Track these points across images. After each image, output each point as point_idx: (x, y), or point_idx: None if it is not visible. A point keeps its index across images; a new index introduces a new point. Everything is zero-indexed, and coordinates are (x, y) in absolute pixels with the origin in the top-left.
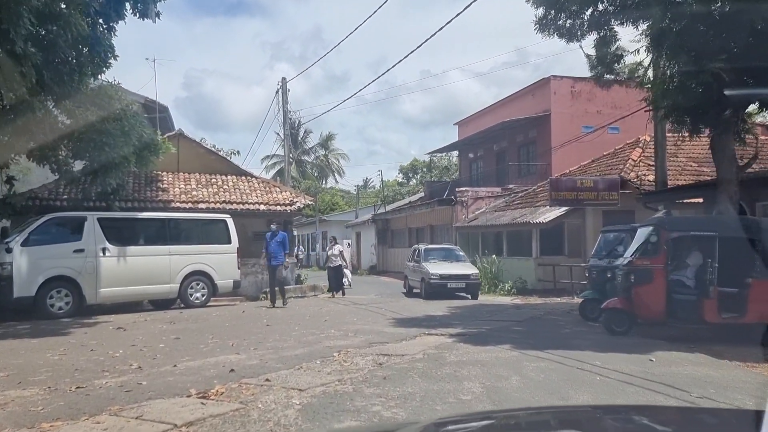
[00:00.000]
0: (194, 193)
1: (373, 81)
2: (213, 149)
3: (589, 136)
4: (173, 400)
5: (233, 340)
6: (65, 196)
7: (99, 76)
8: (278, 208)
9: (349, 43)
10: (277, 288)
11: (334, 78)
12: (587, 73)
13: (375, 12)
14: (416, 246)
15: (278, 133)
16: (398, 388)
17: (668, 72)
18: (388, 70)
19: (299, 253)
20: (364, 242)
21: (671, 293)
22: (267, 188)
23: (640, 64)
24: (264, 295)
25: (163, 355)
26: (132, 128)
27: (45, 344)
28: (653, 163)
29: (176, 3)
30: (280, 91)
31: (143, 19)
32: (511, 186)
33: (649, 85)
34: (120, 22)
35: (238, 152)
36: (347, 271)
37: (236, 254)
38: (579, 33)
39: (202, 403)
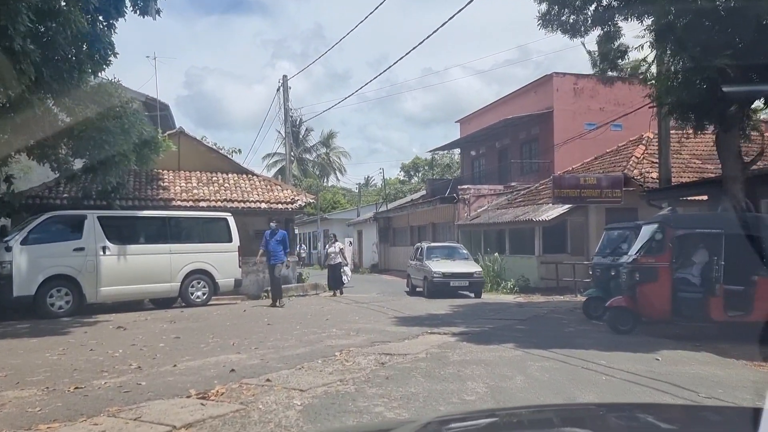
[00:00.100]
0: (195, 191)
1: (374, 78)
2: (214, 147)
3: (591, 134)
4: (172, 401)
5: (234, 340)
6: (65, 195)
7: (99, 74)
8: (279, 206)
9: (350, 42)
10: (271, 286)
11: (335, 76)
12: (589, 71)
13: (376, 8)
14: (419, 244)
15: (279, 131)
16: (401, 388)
17: (672, 68)
18: (390, 67)
19: (302, 251)
20: (366, 240)
21: (676, 291)
22: (268, 186)
23: (644, 59)
24: (265, 294)
25: (163, 354)
26: (132, 126)
27: (44, 344)
28: (657, 161)
29: (177, 1)
30: (282, 88)
31: (143, 17)
32: (513, 184)
33: (653, 82)
34: (120, 19)
35: (240, 151)
36: (346, 269)
37: (237, 253)
38: (582, 29)
39: (202, 404)
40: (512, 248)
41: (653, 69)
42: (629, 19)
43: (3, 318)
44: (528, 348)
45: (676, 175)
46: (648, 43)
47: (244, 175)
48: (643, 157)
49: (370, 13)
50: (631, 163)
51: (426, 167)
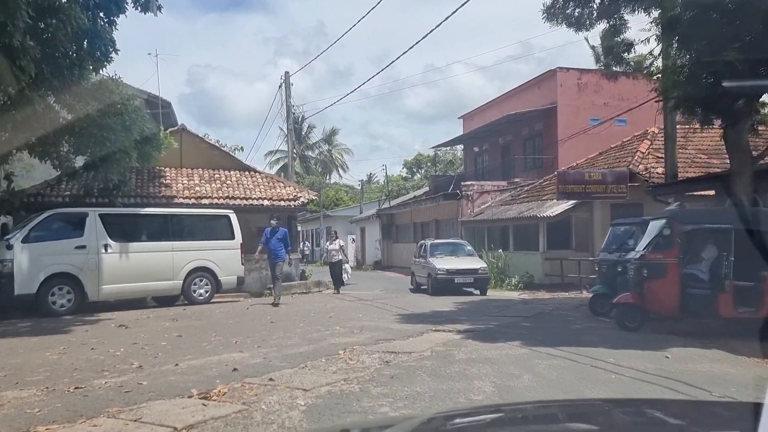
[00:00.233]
0: (197, 188)
1: (376, 74)
2: (216, 144)
3: (596, 129)
4: (174, 401)
5: (236, 338)
6: (67, 192)
7: (100, 71)
8: (282, 203)
9: (352, 38)
10: (273, 285)
11: (337, 73)
12: (593, 66)
13: (378, 3)
14: (422, 242)
15: (282, 128)
16: (406, 387)
17: (679, 62)
18: (392, 63)
19: (305, 248)
20: (369, 237)
21: (685, 287)
22: (271, 183)
23: (650, 53)
24: (268, 292)
25: (164, 353)
26: (133, 123)
27: (45, 343)
28: (662, 156)
29: None
30: (284, 85)
31: (144, 13)
32: (516, 180)
33: (659, 76)
34: (121, 15)
35: (242, 148)
36: (347, 266)
37: (240, 250)
38: (588, 22)
39: (204, 405)
40: (516, 244)
41: (659, 63)
42: (636, 12)
43: (4, 316)
44: (534, 346)
45: (682, 170)
46: (654, 37)
47: (247, 172)
48: (649, 153)
49: (372, 9)
50: (636, 158)
51: (428, 164)
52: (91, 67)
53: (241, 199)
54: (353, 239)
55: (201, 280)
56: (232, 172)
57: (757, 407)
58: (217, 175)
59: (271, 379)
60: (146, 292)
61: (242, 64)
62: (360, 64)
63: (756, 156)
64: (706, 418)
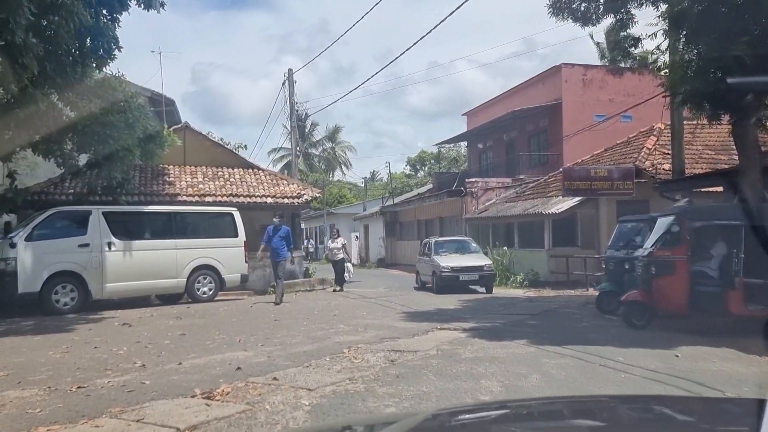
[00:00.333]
0: (201, 186)
1: (379, 71)
2: (220, 142)
3: (601, 125)
4: (177, 401)
5: (240, 336)
6: (71, 191)
7: (103, 68)
8: (286, 200)
9: (355, 36)
10: (276, 284)
11: (340, 70)
12: (597, 62)
13: (380, 0)
14: (427, 240)
15: (285, 126)
16: (412, 387)
17: (687, 56)
18: (395, 59)
19: (309, 246)
20: (372, 235)
21: (694, 285)
22: (274, 181)
23: (657, 48)
24: (272, 290)
25: (168, 352)
26: (136, 120)
27: (48, 341)
28: (669, 152)
29: None
30: (287, 82)
31: (147, 10)
32: (521, 176)
33: (666, 71)
34: (124, 12)
35: (245, 146)
36: (349, 265)
37: (243, 248)
38: (594, 17)
39: (207, 404)
40: (521, 242)
41: (666, 58)
42: (643, 6)
43: (8, 315)
44: (542, 344)
45: (689, 166)
46: (661, 32)
47: (250, 170)
48: (655, 149)
49: (375, 5)
50: (642, 154)
51: (432, 161)
52: (94, 65)
53: (245, 196)
54: (357, 237)
55: (205, 278)
56: (235, 170)
57: (762, 403)
58: (220, 173)
59: (275, 379)
60: (150, 290)
61: (246, 61)
62: (363, 62)
63: (765, 152)
64: (712, 414)
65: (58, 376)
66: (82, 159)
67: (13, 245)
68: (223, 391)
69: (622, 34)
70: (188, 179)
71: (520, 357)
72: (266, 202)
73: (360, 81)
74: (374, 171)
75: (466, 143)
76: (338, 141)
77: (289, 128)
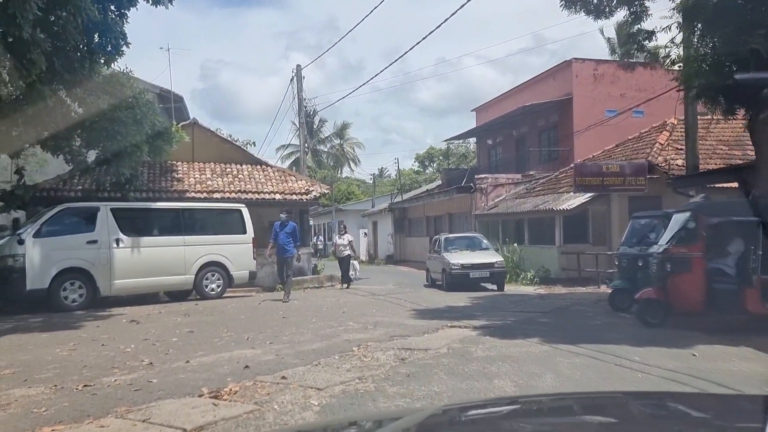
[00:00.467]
0: (209, 182)
1: (387, 67)
2: (228, 139)
3: (612, 120)
4: (184, 401)
5: (248, 334)
6: (79, 187)
7: (111, 64)
8: (294, 197)
9: (363, 33)
10: (285, 281)
11: (349, 67)
12: (607, 57)
13: None
14: (437, 236)
15: (294, 122)
16: (423, 387)
17: (701, 50)
18: (403, 55)
19: (318, 243)
20: (381, 231)
21: (710, 282)
22: (282, 177)
23: (671, 41)
24: (281, 286)
25: (175, 349)
26: (144, 116)
27: (55, 339)
28: (682, 147)
29: None
30: (295, 78)
31: (156, 6)
32: (531, 172)
33: (680, 65)
34: (132, 8)
35: (254, 143)
36: (355, 263)
37: (252, 244)
38: (607, 9)
39: (214, 404)
40: (531, 238)
41: (680, 51)
42: None
43: (16, 312)
44: (555, 343)
45: (702, 161)
46: (675, 24)
47: (258, 166)
48: (668, 144)
49: (383, 1)
50: (654, 150)
51: (441, 157)
52: (102, 61)
53: (253, 193)
54: (365, 233)
55: (213, 275)
56: (243, 166)
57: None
58: (228, 169)
59: (283, 378)
60: (158, 287)
61: (254, 58)
62: (371, 59)
63: None
64: (723, 410)
65: (64, 374)
66: (91, 156)
67: (21, 242)
68: (231, 390)
69: (636, 27)
70: (197, 176)
71: (533, 356)
72: (275, 199)
73: (368, 77)
74: (382, 167)
75: (475, 139)
76: (346, 137)
77: (297, 124)
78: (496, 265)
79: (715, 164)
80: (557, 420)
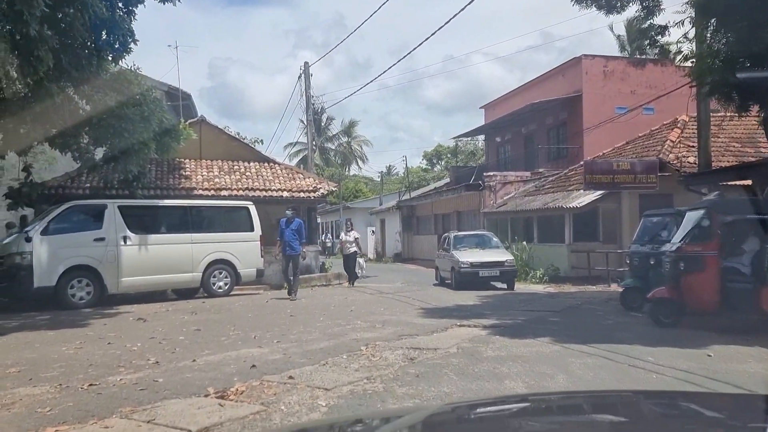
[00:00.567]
0: (217, 180)
1: (395, 63)
2: (236, 136)
3: (622, 118)
4: (190, 401)
5: (255, 332)
6: (87, 185)
7: (119, 62)
8: (302, 194)
9: (371, 31)
10: (293, 279)
11: (356, 65)
12: (616, 54)
13: None
14: (446, 234)
15: (302, 120)
16: (433, 387)
17: (715, 46)
18: (410, 52)
19: (327, 240)
20: (389, 229)
21: (725, 281)
22: (290, 175)
23: (684, 35)
24: (286, 285)
25: (182, 348)
26: (152, 114)
27: (61, 336)
28: (693, 144)
29: None
30: (303, 76)
31: (164, 3)
32: (540, 170)
33: (693, 60)
34: (140, 6)
35: (262, 141)
36: (360, 260)
37: (259, 242)
38: (619, 4)
39: (220, 405)
40: (541, 236)
41: (693, 47)
42: None
43: (23, 309)
44: (566, 342)
45: (715, 159)
46: (688, 19)
47: (266, 164)
48: (679, 141)
49: None
50: (666, 147)
51: (449, 155)
52: (110, 58)
53: (261, 190)
54: (373, 231)
55: (220, 273)
56: (251, 164)
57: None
58: (236, 167)
59: (290, 377)
60: (165, 285)
61: (262, 56)
62: (379, 56)
63: None
64: (731, 409)
65: (70, 372)
66: (99, 153)
67: (29, 239)
68: (237, 390)
69: (648, 22)
70: (204, 173)
71: (544, 356)
72: (282, 196)
73: (375, 75)
74: (390, 165)
75: (483, 137)
76: (354, 135)
77: (305, 122)
78: (506, 264)
79: (728, 162)
80: (564, 418)
